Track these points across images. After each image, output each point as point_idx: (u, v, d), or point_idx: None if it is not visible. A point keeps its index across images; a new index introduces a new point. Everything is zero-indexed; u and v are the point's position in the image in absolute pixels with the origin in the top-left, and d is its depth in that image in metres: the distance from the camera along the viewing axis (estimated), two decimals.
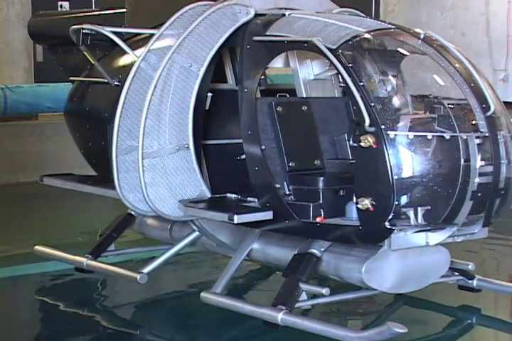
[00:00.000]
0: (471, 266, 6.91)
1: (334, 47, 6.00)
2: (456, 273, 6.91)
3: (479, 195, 5.89)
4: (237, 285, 7.71)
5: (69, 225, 10.41)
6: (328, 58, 6.00)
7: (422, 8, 15.13)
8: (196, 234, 7.00)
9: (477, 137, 5.90)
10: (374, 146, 5.70)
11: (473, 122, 5.97)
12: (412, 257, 6.20)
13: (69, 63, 8.06)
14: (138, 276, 6.83)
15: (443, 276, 6.70)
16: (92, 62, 7.19)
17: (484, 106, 5.97)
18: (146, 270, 6.89)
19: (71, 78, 8.02)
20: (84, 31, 6.82)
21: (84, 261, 7.32)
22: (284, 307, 5.99)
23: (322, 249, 6.27)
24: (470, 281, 6.95)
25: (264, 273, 8.06)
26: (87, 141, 7.63)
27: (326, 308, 6.84)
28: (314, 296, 6.21)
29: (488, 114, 5.96)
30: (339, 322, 6.69)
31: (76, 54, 7.58)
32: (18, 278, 8.24)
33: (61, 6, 14.64)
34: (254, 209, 6.33)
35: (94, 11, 8.62)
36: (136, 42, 7.12)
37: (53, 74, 13.62)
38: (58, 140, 12.74)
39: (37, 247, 7.96)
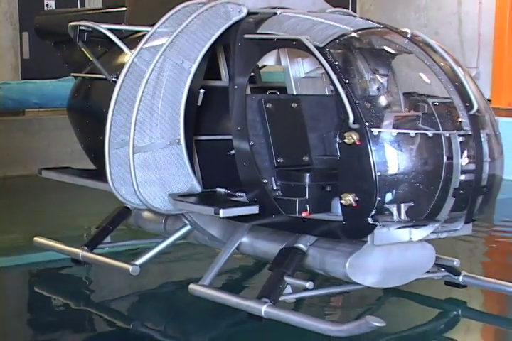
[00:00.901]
0: (456, 263, 6.70)
1: (322, 45, 5.82)
2: (443, 270, 6.71)
3: (461, 192, 5.69)
4: (231, 279, 7.59)
5: (55, 217, 10.28)
6: (315, 56, 5.82)
7: (397, 8, 15.11)
8: (188, 227, 6.82)
9: (460, 135, 5.70)
10: (358, 143, 5.53)
11: (457, 120, 5.77)
12: (396, 253, 6.00)
13: (73, 60, 7.92)
14: (130, 268, 6.65)
15: (429, 272, 6.52)
16: (90, 58, 7.03)
17: (468, 104, 5.77)
18: (139, 262, 6.70)
19: (72, 74, 7.89)
20: (81, 28, 6.68)
21: (80, 252, 7.15)
22: (268, 300, 5.82)
23: (308, 244, 6.08)
24: (456, 277, 6.74)
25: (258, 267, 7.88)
26: (87, 135, 7.49)
27: (317, 301, 6.72)
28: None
29: (472, 112, 5.77)
30: (328, 315, 6.61)
31: (79, 51, 7.44)
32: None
33: (47, 5, 14.49)
34: (240, 204, 6.16)
35: (97, 9, 8.51)
36: (134, 39, 6.97)
37: (39, 71, 13.68)
38: (45, 135, 12.67)
39: (36, 239, 7.79)
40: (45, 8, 14.41)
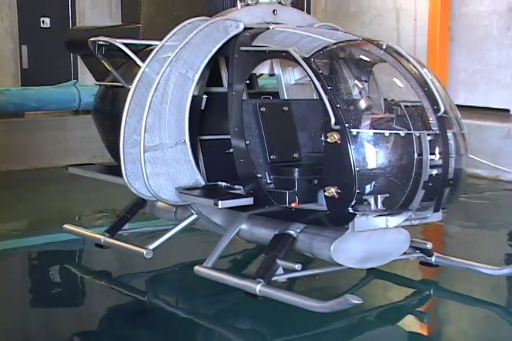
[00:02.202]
0: (429, 245, 6.68)
1: (307, 56, 5.84)
2: (417, 251, 6.70)
3: (430, 184, 5.71)
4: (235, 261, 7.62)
5: (51, 205, 10.27)
6: (301, 65, 5.81)
7: (345, 23, 15.14)
8: (194, 216, 6.82)
9: (429, 134, 5.70)
10: (339, 142, 5.55)
11: (426, 121, 5.77)
12: (374, 237, 6.02)
13: (98, 69, 7.89)
14: (144, 252, 6.67)
15: (406, 254, 6.53)
16: (109, 68, 7.01)
17: (436, 107, 5.77)
18: (152, 246, 6.71)
19: (96, 83, 7.90)
20: (99, 43, 6.68)
21: (102, 238, 7.17)
22: (262, 280, 5.85)
23: (298, 230, 6.11)
24: (429, 258, 6.75)
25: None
26: (108, 135, 7.46)
27: (308, 282, 6.75)
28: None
29: (439, 114, 5.76)
30: (320, 293, 6.51)
31: (102, 62, 7.42)
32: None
33: (43, 22, 14.66)
34: (237, 196, 6.18)
35: (118, 26, 8.47)
36: (148, 52, 6.94)
37: (37, 79, 13.82)
38: (42, 134, 12.71)
39: (65, 226, 7.81)
40: (41, 24, 14.68)
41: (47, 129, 12.77)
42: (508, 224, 9.46)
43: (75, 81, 13.92)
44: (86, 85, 13.54)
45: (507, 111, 13.91)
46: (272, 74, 6.99)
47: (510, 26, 14.23)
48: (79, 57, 14.22)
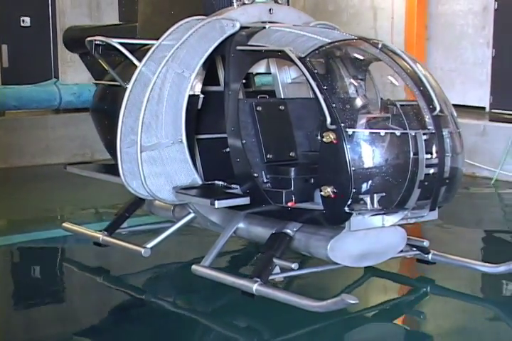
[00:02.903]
0: (426, 243, 6.65)
1: (303, 55, 5.79)
2: (414, 249, 6.66)
3: (426, 183, 5.67)
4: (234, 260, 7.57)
5: (31, 203, 10.17)
6: (296, 65, 5.77)
7: None
8: (192, 215, 6.78)
9: (424, 134, 5.66)
10: (334, 142, 5.51)
11: (422, 121, 5.72)
12: (371, 236, 5.98)
13: (96, 68, 7.84)
14: (142, 250, 6.63)
15: (403, 251, 6.49)
16: (106, 68, 6.97)
17: (431, 106, 5.72)
18: (150, 245, 6.67)
19: (94, 82, 7.85)
20: (96, 42, 6.62)
21: (101, 236, 7.14)
22: (258, 280, 5.82)
23: (295, 229, 6.09)
24: (426, 255, 6.71)
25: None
26: (106, 134, 7.41)
27: (306, 281, 6.70)
28: None
29: (435, 113, 5.71)
30: (318, 291, 6.52)
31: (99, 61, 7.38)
32: None
33: (23, 21, 14.49)
34: (234, 195, 6.13)
35: (115, 25, 8.42)
36: (145, 51, 6.89)
37: (17, 78, 13.75)
38: (23, 133, 12.66)
39: (64, 224, 7.79)
40: (21, 23, 14.49)
41: (28, 128, 12.74)
42: (483, 220, 9.47)
43: (55, 80, 13.86)
44: (66, 84, 13.53)
45: (483, 108, 13.98)
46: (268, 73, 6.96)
47: (485, 25, 14.33)
48: (59, 56, 14.23)
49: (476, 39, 14.45)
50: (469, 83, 14.41)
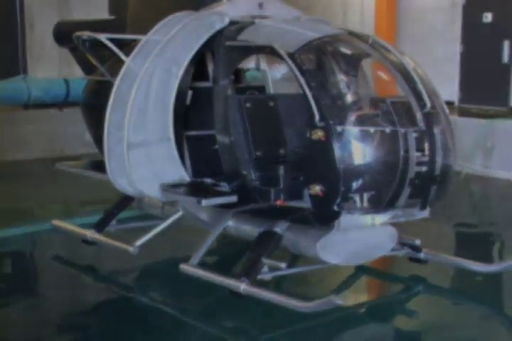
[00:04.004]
0: (418, 241, 6.50)
1: (291, 50, 5.62)
2: (406, 248, 6.50)
3: (416, 182, 5.51)
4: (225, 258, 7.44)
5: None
6: (285, 61, 5.60)
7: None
8: (181, 212, 6.62)
9: (415, 131, 5.50)
10: (323, 139, 5.36)
11: (412, 118, 5.56)
12: (360, 235, 5.85)
13: (86, 63, 7.69)
14: (131, 248, 6.49)
15: (395, 250, 6.36)
16: (94, 63, 6.81)
17: (422, 103, 5.57)
18: (138, 243, 6.52)
19: (85, 76, 7.68)
20: (83, 37, 6.46)
21: (88, 234, 6.99)
22: (246, 279, 5.67)
23: (284, 228, 5.93)
24: (418, 254, 6.54)
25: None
26: (96, 130, 7.25)
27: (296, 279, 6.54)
28: None
29: (425, 110, 5.55)
30: (309, 290, 6.40)
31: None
32: None
33: None
34: (221, 193, 5.98)
35: (107, 19, 8.27)
36: (135, 46, 6.74)
37: None
38: None
39: (54, 222, 7.63)
40: None
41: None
42: (456, 214, 9.32)
43: (24, 75, 13.61)
44: (35, 79, 13.26)
45: (452, 103, 13.99)
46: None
47: (454, 21, 14.45)
48: (27, 52, 13.99)
49: (445, 35, 14.57)
50: (438, 78, 14.31)
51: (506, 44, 13.72)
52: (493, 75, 13.89)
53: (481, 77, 14.09)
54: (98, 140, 7.19)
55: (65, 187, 9.88)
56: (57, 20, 8.55)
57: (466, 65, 14.31)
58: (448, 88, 13.99)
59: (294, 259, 6.68)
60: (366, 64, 5.93)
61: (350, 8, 16.10)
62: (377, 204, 5.48)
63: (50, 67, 13.89)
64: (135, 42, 6.77)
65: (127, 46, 6.63)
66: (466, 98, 14.23)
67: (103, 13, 13.43)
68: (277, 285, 6.41)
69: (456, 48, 14.39)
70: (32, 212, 9.33)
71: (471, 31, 14.20)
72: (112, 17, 7.86)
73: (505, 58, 13.75)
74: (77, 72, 13.20)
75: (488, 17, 13.93)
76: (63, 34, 7.96)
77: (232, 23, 6.22)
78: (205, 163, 6.41)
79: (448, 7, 14.53)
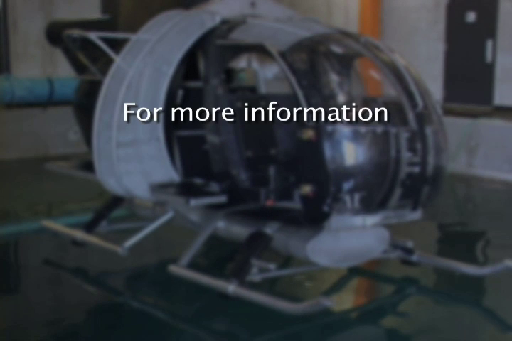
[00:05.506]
0: (410, 244, 6.37)
1: (282, 49, 5.49)
2: (398, 250, 6.36)
3: (407, 182, 5.38)
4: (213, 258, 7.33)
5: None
6: (276, 59, 5.48)
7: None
8: (171, 213, 6.49)
9: (406, 131, 5.36)
10: (313, 139, 5.22)
11: (404, 118, 5.43)
12: (351, 236, 5.74)
13: (78, 63, 7.54)
14: (120, 250, 6.36)
15: (387, 252, 6.22)
16: (85, 62, 6.66)
17: (414, 103, 5.44)
18: (127, 244, 6.39)
19: (76, 76, 7.52)
20: (73, 36, 6.31)
21: (78, 235, 6.86)
22: (235, 281, 5.55)
23: (274, 229, 5.80)
24: (411, 256, 6.40)
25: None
26: (87, 129, 7.09)
27: (289, 281, 6.46)
28: None
29: (417, 110, 5.43)
30: (300, 292, 6.31)
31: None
32: None
33: None
34: (210, 194, 5.84)
35: (100, 19, 8.12)
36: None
37: None
38: None
39: (44, 223, 7.49)
40: None
41: None
42: (435, 214, 9.14)
43: (7, 74, 13.44)
44: (19, 78, 13.07)
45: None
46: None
47: (437, 20, 14.45)
48: (11, 51, 13.80)
49: (429, 34, 14.57)
50: (423, 77, 14.39)
51: (489, 43, 13.70)
52: (476, 74, 13.89)
53: (465, 76, 14.08)
54: (88, 140, 7.06)
55: (50, 187, 9.77)
56: (40, 19, 8.40)
57: (450, 64, 14.32)
58: (432, 87, 14.02)
59: (287, 261, 6.57)
60: (358, 63, 5.81)
61: (334, 8, 16.08)
62: (368, 205, 5.34)
63: (33, 66, 13.69)
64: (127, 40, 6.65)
65: (120, 45, 6.49)
66: (450, 97, 14.21)
67: (88, 12, 13.20)
68: (269, 287, 6.28)
69: (439, 47, 14.39)
70: (16, 213, 9.17)
71: (455, 31, 14.22)
72: (105, 16, 7.68)
73: (489, 57, 13.74)
74: (60, 71, 13.10)
75: (471, 16, 13.92)
76: (56, 33, 7.80)
77: (223, 22, 6.10)
78: (195, 163, 6.27)
79: (432, 6, 14.55)
